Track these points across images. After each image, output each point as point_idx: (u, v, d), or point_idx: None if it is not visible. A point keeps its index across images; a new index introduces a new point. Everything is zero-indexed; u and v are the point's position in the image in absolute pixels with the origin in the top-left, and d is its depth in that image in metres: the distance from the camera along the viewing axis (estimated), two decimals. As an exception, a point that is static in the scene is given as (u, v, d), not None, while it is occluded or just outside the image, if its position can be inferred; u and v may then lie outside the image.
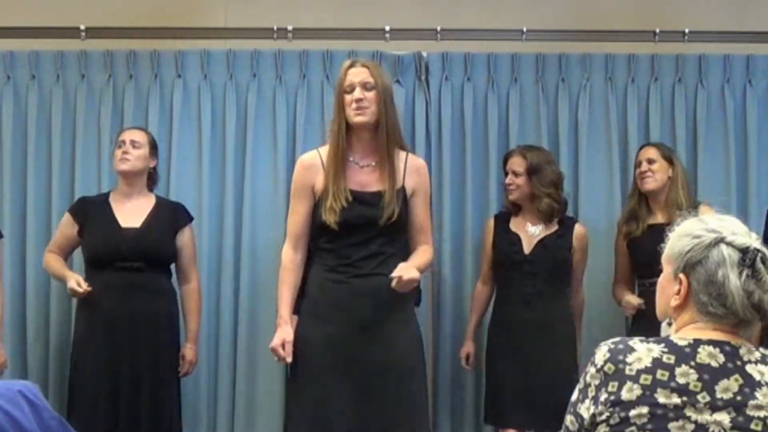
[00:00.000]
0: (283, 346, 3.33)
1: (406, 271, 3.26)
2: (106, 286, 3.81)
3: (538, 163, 4.01)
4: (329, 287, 3.36)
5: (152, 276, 3.89)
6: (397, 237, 3.41)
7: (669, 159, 4.08)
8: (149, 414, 3.81)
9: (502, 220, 4.12)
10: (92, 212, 3.97)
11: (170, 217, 4.01)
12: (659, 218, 3.99)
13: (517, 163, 4.04)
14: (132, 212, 3.96)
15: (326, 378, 3.28)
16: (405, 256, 3.44)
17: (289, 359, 3.35)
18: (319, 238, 3.40)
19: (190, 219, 4.08)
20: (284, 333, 3.35)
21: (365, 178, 3.39)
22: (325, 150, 3.42)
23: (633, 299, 3.92)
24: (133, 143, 3.96)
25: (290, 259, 3.42)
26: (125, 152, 3.95)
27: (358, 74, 3.37)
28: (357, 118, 3.34)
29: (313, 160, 3.42)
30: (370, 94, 3.34)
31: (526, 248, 3.99)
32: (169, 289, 3.97)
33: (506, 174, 4.08)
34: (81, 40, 4.39)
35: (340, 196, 3.31)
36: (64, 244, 4.02)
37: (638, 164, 4.11)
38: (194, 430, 4.27)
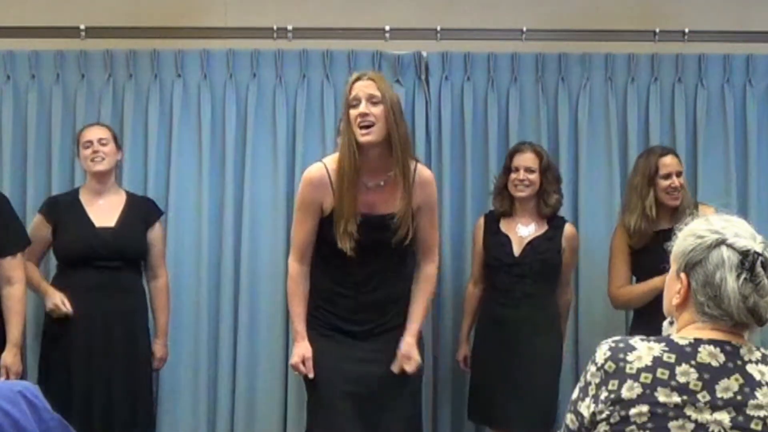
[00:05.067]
0: (303, 362, 3.35)
1: (408, 364, 3.36)
2: (82, 285, 3.81)
3: (549, 160, 4.01)
4: (333, 299, 3.39)
5: (128, 274, 3.90)
6: (405, 253, 3.41)
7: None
8: (125, 412, 3.81)
9: (492, 221, 4.07)
10: (64, 212, 3.94)
11: (143, 213, 4.01)
12: (664, 224, 3.77)
13: (531, 160, 3.95)
14: (105, 210, 3.94)
15: (334, 388, 3.31)
16: (409, 267, 3.46)
17: (311, 375, 3.35)
18: (325, 251, 3.38)
19: (160, 213, 4.09)
20: (302, 349, 3.36)
21: (373, 199, 3.31)
22: (331, 162, 3.32)
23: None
24: (100, 141, 3.93)
25: (297, 271, 3.40)
26: (96, 151, 3.91)
27: (363, 87, 3.23)
28: (364, 138, 3.21)
29: (321, 178, 3.31)
30: (377, 110, 3.21)
31: (516, 250, 3.96)
32: (141, 287, 3.98)
33: (511, 170, 3.98)
34: (81, 39, 4.39)
35: (351, 222, 3.24)
36: (36, 249, 3.92)
37: (666, 176, 3.82)
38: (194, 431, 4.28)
